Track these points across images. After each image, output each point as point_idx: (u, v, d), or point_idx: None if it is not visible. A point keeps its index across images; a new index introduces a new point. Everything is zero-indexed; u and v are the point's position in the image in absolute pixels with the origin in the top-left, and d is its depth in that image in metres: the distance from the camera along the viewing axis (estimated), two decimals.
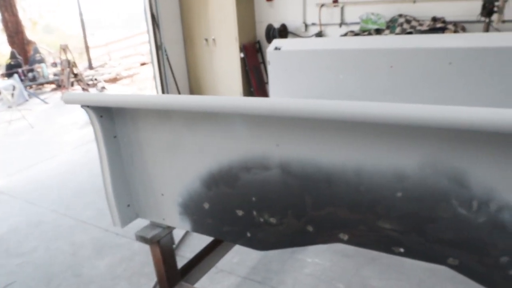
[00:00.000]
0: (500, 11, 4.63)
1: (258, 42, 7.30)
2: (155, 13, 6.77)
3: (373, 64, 2.78)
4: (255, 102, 1.34)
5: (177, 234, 3.35)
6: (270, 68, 3.22)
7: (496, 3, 4.61)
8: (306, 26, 6.78)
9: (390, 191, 1.26)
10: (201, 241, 2.53)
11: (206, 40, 7.15)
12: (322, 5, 6.52)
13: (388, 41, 2.93)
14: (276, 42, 3.27)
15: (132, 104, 1.70)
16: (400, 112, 1.07)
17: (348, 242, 1.41)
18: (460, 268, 1.25)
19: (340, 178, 1.33)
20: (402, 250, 1.32)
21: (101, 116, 1.83)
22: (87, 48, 14.71)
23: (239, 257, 3.06)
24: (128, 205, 2.04)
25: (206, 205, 1.75)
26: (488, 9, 4.63)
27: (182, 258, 3.06)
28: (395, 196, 1.26)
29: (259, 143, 1.47)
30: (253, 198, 1.58)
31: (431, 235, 1.25)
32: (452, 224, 1.21)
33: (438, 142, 1.16)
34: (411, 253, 1.31)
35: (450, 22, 5.37)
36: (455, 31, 5.03)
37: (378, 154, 1.25)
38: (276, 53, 3.18)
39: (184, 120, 1.65)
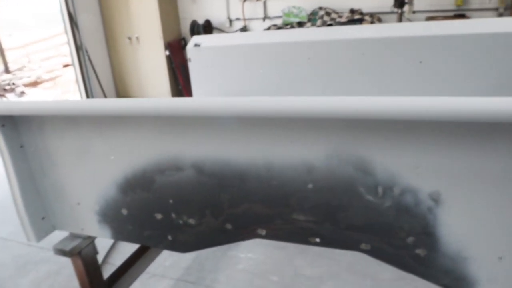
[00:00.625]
0: (410, 2, 4.89)
1: (184, 39, 7.19)
2: (72, 12, 6.44)
3: (292, 56, 2.82)
4: (160, 104, 1.31)
5: (109, 242, 3.23)
6: (191, 66, 3.17)
7: None
8: (231, 21, 6.78)
9: (301, 184, 1.28)
10: (134, 246, 2.45)
11: (129, 38, 6.93)
12: (245, 0, 6.54)
13: (306, 33, 2.98)
14: (196, 38, 3.22)
15: (36, 111, 1.59)
16: (297, 106, 1.08)
17: (266, 237, 1.42)
18: (373, 252, 1.29)
19: (252, 174, 1.33)
20: (318, 240, 1.35)
21: (3, 126, 1.70)
22: (1, 50, 13.75)
23: (172, 259, 3.01)
24: (43, 218, 1.92)
25: (125, 211, 1.68)
26: (399, 1, 4.87)
27: (113, 266, 2.95)
28: (306, 188, 1.28)
29: (170, 144, 1.44)
30: (170, 201, 1.54)
31: (343, 223, 1.29)
32: (362, 210, 1.25)
33: (341, 132, 1.19)
34: (326, 242, 1.34)
35: (367, 14, 5.59)
36: (372, 22, 5.25)
37: (286, 148, 1.26)
38: (196, 50, 3.13)
39: (93, 125, 1.58)
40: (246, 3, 6.55)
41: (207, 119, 1.32)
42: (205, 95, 3.13)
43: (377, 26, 2.75)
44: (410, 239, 1.23)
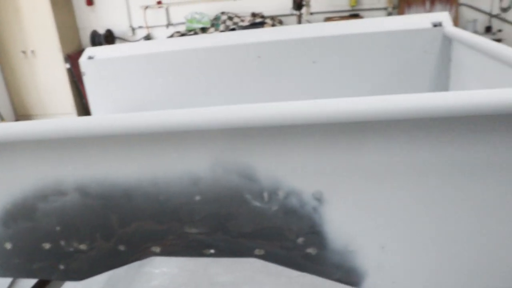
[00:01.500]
0: (307, 4, 5.08)
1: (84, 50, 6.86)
2: None
3: (190, 64, 2.79)
4: (33, 126, 1.22)
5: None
6: (86, 80, 3.02)
7: None
8: (133, 29, 6.60)
9: (189, 196, 1.25)
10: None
11: (24, 52, 6.46)
12: (147, 7, 6.39)
13: (204, 40, 2.97)
14: (89, 50, 3.08)
15: None
16: (171, 120, 1.06)
17: (161, 253, 1.37)
18: (267, 257, 1.30)
19: (139, 191, 1.28)
20: (212, 251, 1.33)
21: None
22: None
23: (83, 284, 2.84)
24: None
25: (9, 245, 1.54)
26: (297, 3, 5.04)
27: None
28: (194, 200, 1.26)
29: (50, 168, 1.34)
30: (57, 228, 1.43)
31: (235, 231, 1.28)
32: (251, 217, 1.25)
33: (222, 142, 1.18)
34: (221, 253, 1.32)
35: (268, 17, 5.72)
36: (273, 25, 5.38)
37: (171, 161, 1.23)
38: (91, 62, 2.99)
39: None
40: (148, 10, 6.41)
41: (85, 139, 1.25)
42: (104, 111, 3.00)
43: (272, 29, 2.81)
44: (300, 240, 1.25)
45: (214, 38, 2.88)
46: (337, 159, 1.15)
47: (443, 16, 2.51)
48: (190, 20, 5.90)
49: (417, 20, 2.57)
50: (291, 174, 1.18)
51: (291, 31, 2.73)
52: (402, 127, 1.08)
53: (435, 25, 2.48)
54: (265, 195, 1.21)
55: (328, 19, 5.66)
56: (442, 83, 2.55)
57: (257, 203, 1.23)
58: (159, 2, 6.30)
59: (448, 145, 1.10)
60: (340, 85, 2.54)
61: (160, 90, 2.85)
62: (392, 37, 2.52)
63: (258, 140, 1.16)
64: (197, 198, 1.25)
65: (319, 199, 1.19)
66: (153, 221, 1.32)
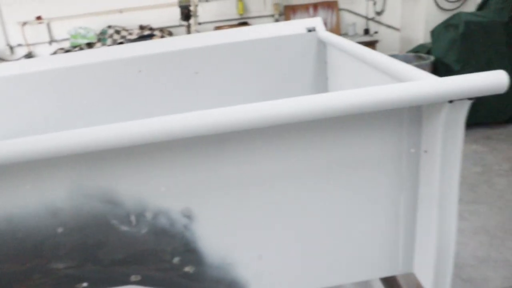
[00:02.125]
0: (195, 15, 5.07)
1: None
2: None
3: (66, 83, 2.62)
4: None
5: None
6: None
7: (190, 8, 5.02)
8: (11, 48, 6.10)
9: (50, 229, 1.15)
10: None
11: None
12: (25, 23, 5.95)
13: (80, 57, 2.80)
14: None
15: None
16: (15, 148, 0.96)
17: None
18: (144, 282, 1.24)
19: None
20: (85, 284, 1.24)
21: None
22: None
23: None
24: None
25: None
26: (185, 14, 5.01)
27: None
28: (56, 232, 1.16)
29: None
30: None
31: (106, 260, 1.20)
32: (121, 243, 1.18)
33: (78, 167, 1.10)
34: (95, 285, 1.24)
35: (157, 29, 5.62)
36: (162, 36, 5.29)
37: (23, 194, 1.12)
38: None
39: None
40: (26, 26, 5.96)
41: None
42: None
43: (152, 42, 2.74)
44: (176, 260, 1.21)
45: (92, 54, 2.74)
46: (201, 174, 1.13)
47: (316, 22, 2.63)
48: (75, 36, 5.59)
49: (293, 26, 2.67)
50: (156, 193, 1.14)
51: (171, 43, 2.68)
52: (259, 135, 1.09)
53: (309, 30, 2.59)
54: (132, 218, 1.15)
55: (217, 28, 5.71)
56: (322, 84, 2.67)
57: (125, 228, 1.16)
58: (38, 18, 5.90)
59: (310, 149, 1.13)
60: (223, 95, 2.54)
61: (39, 112, 2.64)
62: (270, 44, 2.58)
63: (117, 162, 1.10)
64: (60, 230, 1.16)
65: (188, 216, 1.16)
66: (14, 261, 1.20)
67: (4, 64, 3.22)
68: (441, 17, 5.08)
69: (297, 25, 2.65)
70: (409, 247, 1.28)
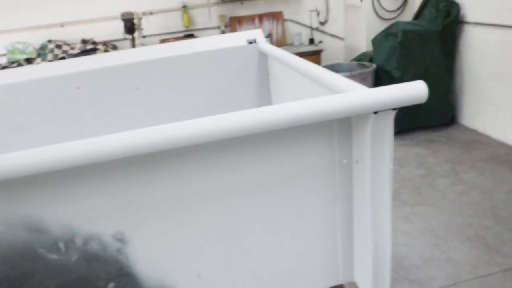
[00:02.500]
0: (139, 28, 4.99)
1: None
2: None
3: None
4: None
5: None
6: None
7: (134, 21, 4.94)
8: None
9: None
10: None
11: None
12: None
13: (15, 74, 2.68)
14: None
15: None
16: None
17: None
18: None
19: None
20: None
21: None
22: None
23: None
24: None
25: None
26: (128, 27, 4.92)
27: None
28: None
29: None
30: None
31: None
32: (50, 272, 1.12)
33: (3, 194, 1.04)
34: None
35: (100, 42, 5.48)
36: (106, 50, 5.16)
37: None
38: None
39: None
40: None
41: None
42: None
43: (92, 57, 2.66)
44: (111, 285, 1.16)
45: (26, 71, 2.62)
46: (132, 195, 1.09)
47: (257, 34, 2.65)
48: (12, 51, 5.35)
49: (234, 39, 2.67)
50: (85, 218, 1.09)
51: (111, 58, 2.62)
52: (190, 153, 1.07)
53: (250, 42, 2.60)
54: (61, 245, 1.10)
55: (163, 41, 5.65)
56: (265, 96, 2.68)
57: (54, 256, 1.10)
58: None
59: (245, 165, 1.12)
60: (164, 110, 2.50)
61: None
62: (212, 57, 2.57)
63: (40, 187, 1.04)
64: None
65: (121, 239, 1.12)
66: None
67: None
68: (381, 26, 5.28)
69: (238, 38, 2.66)
70: (348, 256, 1.29)
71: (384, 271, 1.25)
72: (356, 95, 1.00)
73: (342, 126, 1.12)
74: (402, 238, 3.14)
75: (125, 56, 2.63)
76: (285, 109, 0.98)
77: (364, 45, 5.64)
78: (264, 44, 2.56)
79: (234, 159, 1.10)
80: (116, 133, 0.98)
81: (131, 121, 2.43)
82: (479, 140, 4.65)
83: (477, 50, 4.63)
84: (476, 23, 4.58)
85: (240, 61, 2.60)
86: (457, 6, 4.73)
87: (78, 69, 2.51)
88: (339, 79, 1.31)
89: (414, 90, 1.00)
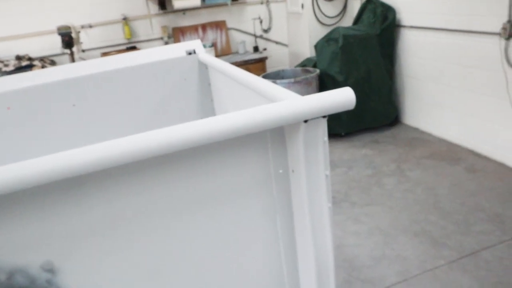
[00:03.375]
0: (77, 42, 4.83)
1: None
2: None
3: None
4: None
5: None
6: None
7: (72, 35, 4.76)
8: None
9: None
10: None
11: None
12: None
13: None
14: None
15: None
16: None
17: None
18: None
19: None
20: None
21: None
22: None
23: None
24: None
25: None
26: (66, 42, 4.74)
27: None
28: None
29: None
30: None
31: None
32: None
33: None
34: None
35: (37, 58, 5.26)
36: (43, 66, 4.95)
37: None
38: None
39: None
40: None
41: None
42: None
43: (24, 74, 2.52)
44: None
45: None
46: (60, 222, 1.03)
47: (196, 44, 2.62)
48: None
49: (174, 50, 2.63)
50: (9, 249, 1.01)
51: (45, 75, 2.50)
52: (120, 175, 1.02)
53: (189, 53, 2.57)
54: None
55: (104, 54, 5.49)
56: (208, 107, 2.65)
57: None
58: None
59: (178, 184, 1.08)
60: (103, 126, 2.42)
61: None
62: (151, 69, 2.52)
63: None
64: None
65: (50, 269, 1.05)
66: None
67: None
68: (323, 32, 5.40)
69: (177, 49, 2.62)
70: (292, 266, 1.28)
71: (328, 277, 1.24)
72: (285, 104, 1.00)
73: (276, 136, 1.11)
74: (352, 239, 3.19)
75: (59, 72, 2.52)
76: (214, 122, 0.95)
77: (307, 51, 5.74)
78: (203, 55, 2.53)
79: (167, 178, 1.06)
80: (47, 155, 0.92)
81: (67, 141, 2.32)
82: (422, 138, 4.84)
83: (415, 52, 4.83)
84: (412, 27, 4.77)
85: (181, 72, 2.56)
86: (393, 11, 4.91)
87: (9, 88, 2.38)
88: (274, 88, 1.31)
89: (343, 97, 1.01)
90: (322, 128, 1.06)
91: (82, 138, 2.34)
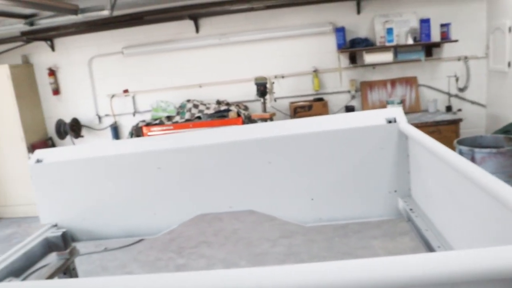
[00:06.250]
0: (270, 92, 5.15)
1: (50, 138, 6.74)
2: None
3: (141, 167, 2.67)
4: None
5: None
6: (34, 184, 2.85)
7: (267, 86, 5.11)
8: (100, 117, 6.54)
9: None
10: None
11: None
12: (113, 96, 6.40)
13: (156, 142, 2.86)
14: (38, 153, 2.94)
15: None
16: None
17: None
18: None
19: None
20: None
21: None
22: None
23: None
24: None
25: None
26: (261, 91, 5.10)
27: None
28: None
29: None
30: None
31: None
32: None
33: None
34: None
35: (233, 103, 5.77)
36: (238, 112, 5.39)
37: None
38: (39, 166, 2.84)
39: None
40: (114, 98, 6.40)
41: None
42: (51, 216, 2.81)
43: (226, 130, 2.72)
44: None
45: (170, 140, 2.79)
46: None
47: (397, 112, 2.49)
48: (156, 109, 5.88)
49: (372, 116, 2.54)
50: None
51: (244, 131, 2.67)
52: None
53: (389, 121, 2.45)
54: None
55: (292, 104, 5.74)
56: (403, 180, 2.47)
57: None
58: (125, 91, 6.32)
59: None
60: (292, 190, 2.44)
61: (113, 194, 2.70)
62: (346, 135, 2.47)
63: None
64: None
65: None
66: None
67: (81, 147, 3.39)
68: None
69: (376, 115, 2.52)
70: None
71: None
72: None
73: None
74: None
75: (255, 130, 2.65)
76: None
77: (511, 114, 5.08)
78: (404, 124, 2.38)
79: None
80: None
81: (264, 194, 2.41)
82: None
83: None
84: None
85: (378, 141, 2.45)
86: None
87: (213, 142, 2.58)
88: (503, 187, 1.10)
89: None
90: None
91: (275, 194, 2.39)
